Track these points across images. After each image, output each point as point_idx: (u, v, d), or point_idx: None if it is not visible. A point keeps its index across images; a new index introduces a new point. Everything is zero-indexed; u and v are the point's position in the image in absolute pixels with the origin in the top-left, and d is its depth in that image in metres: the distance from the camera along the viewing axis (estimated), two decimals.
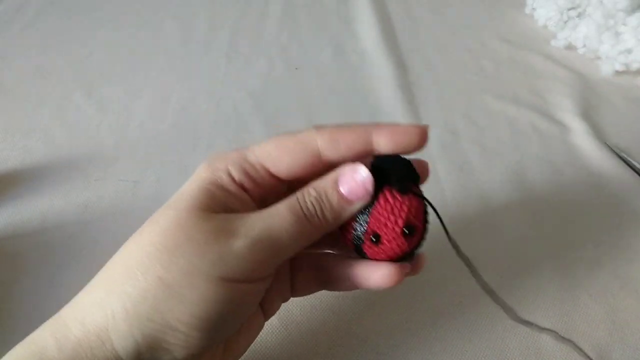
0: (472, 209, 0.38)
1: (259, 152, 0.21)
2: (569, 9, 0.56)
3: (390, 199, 0.20)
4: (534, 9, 0.60)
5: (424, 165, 0.24)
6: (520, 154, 0.43)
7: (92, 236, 0.37)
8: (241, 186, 0.21)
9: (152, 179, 0.42)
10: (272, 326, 0.30)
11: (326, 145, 0.20)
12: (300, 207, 0.20)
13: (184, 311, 0.18)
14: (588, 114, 0.46)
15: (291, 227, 0.19)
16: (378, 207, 0.20)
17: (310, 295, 0.32)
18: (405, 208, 0.20)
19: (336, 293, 0.32)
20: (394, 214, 0.20)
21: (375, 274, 0.21)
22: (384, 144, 0.20)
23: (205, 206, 0.20)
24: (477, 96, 0.49)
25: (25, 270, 0.35)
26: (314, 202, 0.20)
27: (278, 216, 0.19)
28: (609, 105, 0.48)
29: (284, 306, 0.29)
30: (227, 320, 0.19)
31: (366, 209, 0.20)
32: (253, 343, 0.24)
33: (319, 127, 0.21)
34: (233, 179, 0.21)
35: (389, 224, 0.20)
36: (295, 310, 0.31)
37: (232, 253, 0.18)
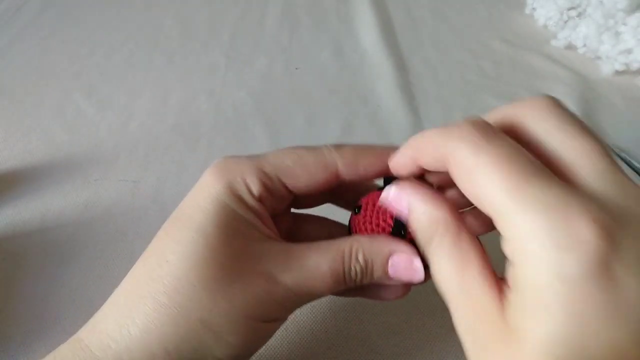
0: None
1: (275, 164, 0.20)
2: (569, 9, 0.55)
3: None
4: (534, 9, 0.60)
5: None
6: None
7: (92, 236, 0.37)
8: (260, 200, 0.20)
9: (152, 179, 0.42)
10: None
11: (346, 168, 0.21)
12: (344, 272, 0.20)
13: (223, 352, 0.18)
14: (588, 114, 0.46)
15: (327, 287, 0.20)
16: None
17: None
18: None
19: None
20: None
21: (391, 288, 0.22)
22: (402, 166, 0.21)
23: (229, 228, 0.19)
24: (477, 96, 0.49)
25: (25, 270, 0.35)
26: (358, 272, 0.20)
27: (319, 273, 0.19)
28: (609, 105, 0.48)
29: None
30: (256, 350, 0.20)
31: (399, 219, 0.20)
32: None
33: (338, 147, 0.21)
34: (251, 192, 0.20)
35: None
36: (295, 311, 0.31)
37: (272, 300, 0.19)
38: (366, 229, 0.21)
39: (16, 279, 0.34)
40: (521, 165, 0.14)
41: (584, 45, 0.53)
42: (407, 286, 0.22)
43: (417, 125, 0.46)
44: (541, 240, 0.13)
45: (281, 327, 0.30)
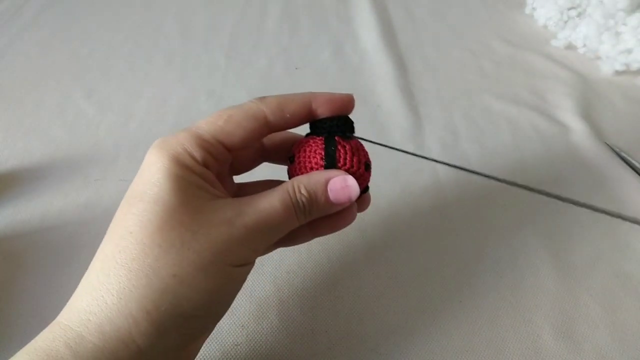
0: (472, 209, 0.38)
1: (210, 128, 0.22)
2: (569, 9, 0.56)
3: (347, 146, 0.23)
4: (534, 9, 0.60)
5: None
6: (520, 154, 0.43)
7: (92, 236, 0.37)
8: (204, 164, 0.21)
9: None
10: (272, 326, 0.30)
11: (273, 115, 0.22)
12: (292, 203, 0.21)
13: (200, 300, 0.19)
14: (588, 114, 0.46)
15: (282, 218, 0.21)
16: (340, 154, 0.23)
17: (311, 295, 0.32)
18: (362, 149, 0.24)
19: (335, 293, 0.32)
20: (356, 155, 0.23)
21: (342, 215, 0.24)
22: (321, 110, 0.23)
23: (182, 193, 0.20)
24: (477, 96, 0.49)
25: (25, 270, 0.35)
26: (305, 201, 0.22)
27: (272, 208, 0.21)
28: (609, 105, 0.48)
29: (285, 306, 0.29)
30: (232, 297, 0.22)
31: (329, 156, 0.23)
32: (253, 343, 0.24)
33: (262, 98, 0.23)
34: (195, 159, 0.21)
35: (355, 164, 0.23)
36: (295, 310, 0.31)
37: (235, 241, 0.20)
38: (303, 172, 0.23)
39: (16, 279, 0.34)
40: None
41: (584, 45, 0.53)
42: (351, 211, 0.24)
43: (417, 125, 0.46)
44: None
45: (282, 327, 0.30)
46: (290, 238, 0.25)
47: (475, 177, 0.41)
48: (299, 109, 0.23)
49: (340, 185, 0.22)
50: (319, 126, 0.24)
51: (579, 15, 0.55)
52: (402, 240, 0.35)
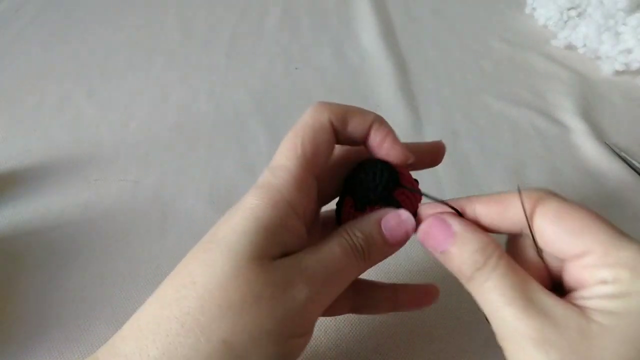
0: None
1: (303, 164, 0.20)
2: (569, 9, 0.55)
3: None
4: (534, 8, 0.60)
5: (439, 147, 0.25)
6: (520, 154, 0.43)
7: (92, 236, 0.37)
8: (303, 214, 0.20)
9: (152, 179, 0.42)
10: None
11: (337, 122, 0.21)
12: (349, 245, 0.20)
13: None
14: (588, 114, 0.46)
15: (346, 267, 0.20)
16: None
17: None
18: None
19: None
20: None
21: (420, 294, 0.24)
22: (377, 137, 0.22)
23: (263, 251, 0.18)
24: (477, 96, 0.49)
25: (25, 270, 0.35)
26: (362, 243, 0.20)
27: (332, 256, 0.19)
28: (609, 105, 0.48)
29: None
30: None
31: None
32: None
33: (325, 103, 0.22)
34: (296, 212, 0.20)
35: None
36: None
37: (296, 307, 0.18)
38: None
39: (16, 279, 0.34)
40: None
41: (584, 45, 0.53)
42: (431, 293, 0.24)
43: (417, 125, 0.46)
44: None
45: None
46: (367, 304, 0.24)
47: (474, 179, 0.41)
48: (361, 124, 0.22)
49: (395, 221, 0.21)
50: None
51: (579, 15, 0.55)
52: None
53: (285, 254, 0.19)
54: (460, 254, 0.19)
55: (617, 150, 0.42)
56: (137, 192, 0.40)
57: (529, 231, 0.19)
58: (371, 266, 0.21)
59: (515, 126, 0.46)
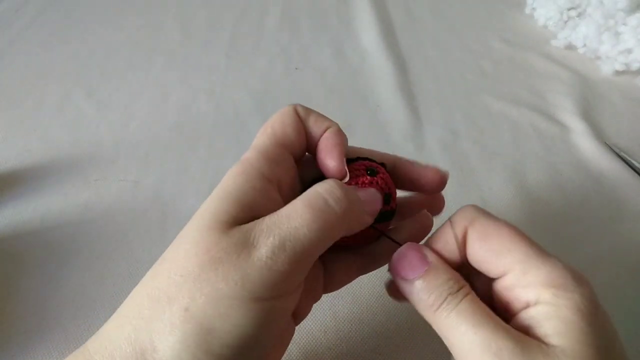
0: None
1: (273, 138, 0.22)
2: (569, 9, 0.55)
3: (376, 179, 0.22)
4: (534, 9, 0.60)
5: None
6: (520, 154, 0.43)
7: (92, 236, 0.37)
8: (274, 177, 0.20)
9: (152, 179, 0.42)
10: None
11: (300, 108, 0.23)
12: (314, 198, 0.19)
13: (214, 343, 0.17)
14: (588, 114, 0.46)
15: (311, 223, 0.18)
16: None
17: None
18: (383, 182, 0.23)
19: (334, 294, 0.32)
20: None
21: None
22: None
23: (227, 216, 0.18)
24: (477, 96, 0.49)
25: (25, 270, 0.35)
26: (326, 195, 0.19)
27: (295, 213, 0.18)
28: (609, 105, 0.48)
29: None
30: (259, 342, 0.18)
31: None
32: None
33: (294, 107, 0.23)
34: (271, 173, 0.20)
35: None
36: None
37: (253, 267, 0.17)
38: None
39: (16, 279, 0.34)
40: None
41: (584, 45, 0.53)
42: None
43: (417, 125, 0.46)
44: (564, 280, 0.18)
45: None
46: (378, 252, 0.24)
47: (474, 179, 0.41)
48: (317, 124, 0.23)
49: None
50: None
51: (579, 15, 0.55)
52: None
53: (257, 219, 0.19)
54: (435, 280, 0.19)
55: (617, 150, 0.42)
56: (137, 192, 0.40)
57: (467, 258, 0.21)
58: (346, 224, 0.20)
59: (515, 126, 0.46)
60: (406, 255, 0.20)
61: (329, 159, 0.22)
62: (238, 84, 0.52)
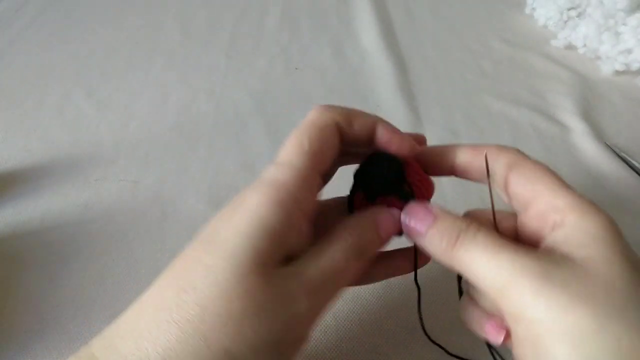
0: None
1: (304, 185, 0.20)
2: (569, 9, 0.55)
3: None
4: (534, 9, 0.60)
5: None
6: None
7: (92, 236, 0.37)
8: (307, 212, 0.20)
9: (152, 179, 0.42)
10: None
11: (343, 123, 0.22)
12: (351, 251, 0.20)
13: None
14: (588, 114, 0.46)
15: (345, 272, 0.20)
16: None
17: None
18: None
19: None
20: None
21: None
22: (382, 136, 0.23)
23: (265, 258, 0.18)
24: (477, 96, 0.49)
25: (25, 270, 0.35)
26: (360, 245, 0.21)
27: (333, 263, 0.19)
28: (609, 105, 0.48)
29: None
30: None
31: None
32: None
33: (328, 106, 0.22)
34: (300, 211, 0.19)
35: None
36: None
37: (296, 319, 0.18)
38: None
39: (16, 279, 0.34)
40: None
41: (584, 45, 0.53)
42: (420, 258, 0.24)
43: (417, 125, 0.46)
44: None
45: None
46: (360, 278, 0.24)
47: None
48: (366, 124, 0.22)
49: (387, 219, 0.22)
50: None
51: (579, 15, 0.55)
52: (402, 241, 0.35)
53: (289, 256, 0.19)
54: (443, 224, 0.20)
55: (617, 150, 0.42)
56: (137, 192, 0.40)
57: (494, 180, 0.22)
58: (365, 265, 0.21)
59: (515, 126, 0.46)
60: (412, 212, 0.21)
61: (403, 143, 0.23)
62: (238, 84, 0.52)
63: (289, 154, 0.20)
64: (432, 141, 0.43)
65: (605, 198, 0.39)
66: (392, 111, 0.48)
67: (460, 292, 0.25)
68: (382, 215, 0.22)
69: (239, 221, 0.18)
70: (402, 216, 0.22)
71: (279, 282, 0.18)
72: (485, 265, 0.18)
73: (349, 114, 0.22)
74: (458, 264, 0.20)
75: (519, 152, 0.22)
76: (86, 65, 0.56)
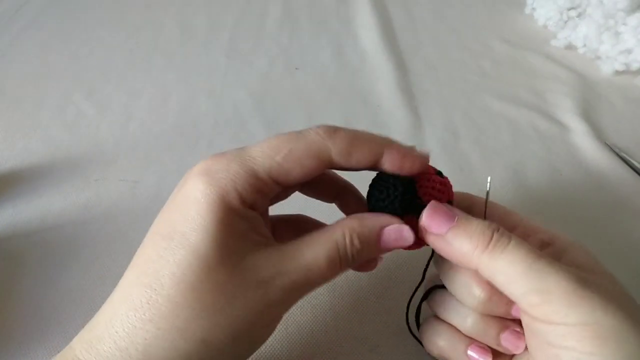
0: None
1: (267, 164, 0.19)
2: (569, 9, 0.55)
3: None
4: (534, 9, 0.60)
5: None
6: (520, 154, 0.43)
7: (92, 236, 0.37)
8: (252, 206, 0.20)
9: (152, 179, 0.42)
10: None
11: (339, 157, 0.20)
12: (340, 260, 0.20)
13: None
14: (588, 114, 0.46)
15: (326, 276, 0.20)
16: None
17: (311, 295, 0.32)
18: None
19: (335, 293, 0.32)
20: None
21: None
22: (389, 163, 0.21)
23: (224, 245, 0.18)
24: (477, 96, 0.49)
25: (25, 270, 0.35)
26: (355, 254, 0.20)
27: (317, 268, 0.19)
28: (609, 105, 0.48)
29: None
30: (256, 349, 0.21)
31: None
32: None
33: (331, 133, 0.20)
34: (245, 202, 0.19)
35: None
36: (295, 310, 0.31)
37: (271, 307, 0.19)
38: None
39: (16, 279, 0.34)
40: None
41: (584, 45, 0.53)
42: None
43: (417, 125, 0.46)
44: None
45: (281, 327, 0.30)
46: None
47: (474, 179, 0.41)
48: (367, 156, 0.21)
49: (395, 235, 0.21)
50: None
51: (579, 15, 0.55)
52: None
53: (262, 240, 0.20)
54: (470, 225, 0.20)
55: (617, 150, 0.42)
56: (137, 192, 0.40)
57: None
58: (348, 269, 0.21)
59: (515, 126, 0.46)
60: (432, 213, 0.21)
61: (413, 166, 0.22)
62: (238, 84, 0.52)
63: (258, 151, 0.20)
64: (432, 141, 0.43)
65: (605, 198, 0.39)
66: (392, 111, 0.48)
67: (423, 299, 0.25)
68: (391, 227, 0.21)
69: (194, 214, 0.19)
70: (422, 217, 0.21)
71: (249, 271, 0.19)
72: (523, 273, 0.18)
73: (350, 147, 0.20)
74: (487, 268, 0.19)
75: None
76: (86, 65, 0.56)
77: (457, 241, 0.20)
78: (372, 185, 0.22)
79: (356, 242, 0.20)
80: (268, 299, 0.19)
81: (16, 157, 0.44)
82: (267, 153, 0.20)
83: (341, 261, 0.20)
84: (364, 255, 0.21)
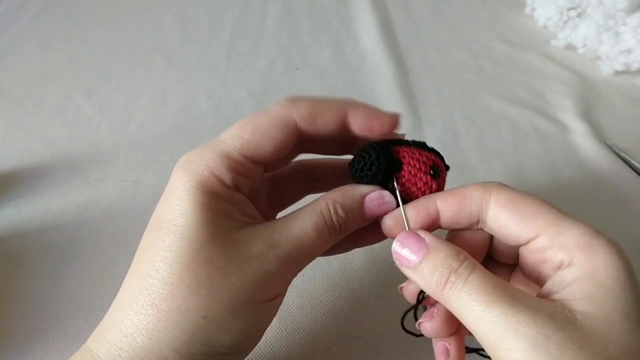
0: None
1: (236, 144, 0.20)
2: (569, 9, 0.56)
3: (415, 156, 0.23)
4: (534, 9, 0.60)
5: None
6: (520, 154, 0.43)
7: (92, 236, 0.37)
8: (234, 187, 0.20)
9: (152, 179, 0.42)
10: (272, 326, 0.30)
11: (304, 122, 0.21)
12: (327, 226, 0.21)
13: (231, 339, 0.19)
14: (588, 114, 0.46)
15: (316, 244, 0.20)
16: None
17: (310, 295, 0.32)
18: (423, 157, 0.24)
19: (335, 294, 0.32)
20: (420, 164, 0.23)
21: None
22: (357, 125, 0.22)
23: (211, 224, 0.19)
24: (477, 96, 0.49)
25: (25, 270, 0.35)
26: (341, 222, 0.21)
27: (304, 235, 0.20)
28: (609, 105, 0.48)
29: (284, 306, 0.28)
30: (263, 331, 0.21)
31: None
32: None
33: (292, 102, 0.21)
34: (224, 183, 0.20)
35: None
36: (295, 311, 0.31)
37: (267, 278, 0.19)
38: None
39: (16, 279, 0.34)
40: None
41: (584, 45, 0.53)
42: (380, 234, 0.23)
43: (417, 125, 0.46)
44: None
45: (281, 327, 0.30)
46: (329, 250, 0.24)
47: (474, 179, 0.41)
48: (332, 119, 0.21)
49: (377, 201, 0.22)
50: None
51: (579, 15, 0.55)
52: None
53: (249, 217, 0.20)
54: (434, 260, 0.19)
55: (617, 150, 0.42)
56: (137, 192, 0.40)
57: (485, 223, 0.21)
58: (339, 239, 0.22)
59: (515, 126, 0.46)
60: (403, 242, 0.21)
61: (375, 123, 0.22)
62: (238, 84, 0.52)
63: (227, 136, 0.20)
64: (432, 141, 0.43)
65: (605, 198, 0.39)
66: (392, 111, 0.48)
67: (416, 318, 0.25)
68: (372, 194, 0.22)
69: (177, 201, 0.19)
70: (394, 245, 0.21)
71: (241, 246, 0.19)
72: (478, 317, 0.17)
73: (314, 111, 0.21)
74: (448, 305, 0.19)
75: (502, 185, 0.21)
76: (86, 65, 0.56)
77: (422, 276, 0.20)
78: (352, 159, 0.23)
79: (340, 211, 0.21)
80: (264, 269, 0.19)
81: (16, 157, 0.44)
82: (235, 134, 0.20)
83: (329, 230, 0.21)
84: (351, 224, 0.21)
